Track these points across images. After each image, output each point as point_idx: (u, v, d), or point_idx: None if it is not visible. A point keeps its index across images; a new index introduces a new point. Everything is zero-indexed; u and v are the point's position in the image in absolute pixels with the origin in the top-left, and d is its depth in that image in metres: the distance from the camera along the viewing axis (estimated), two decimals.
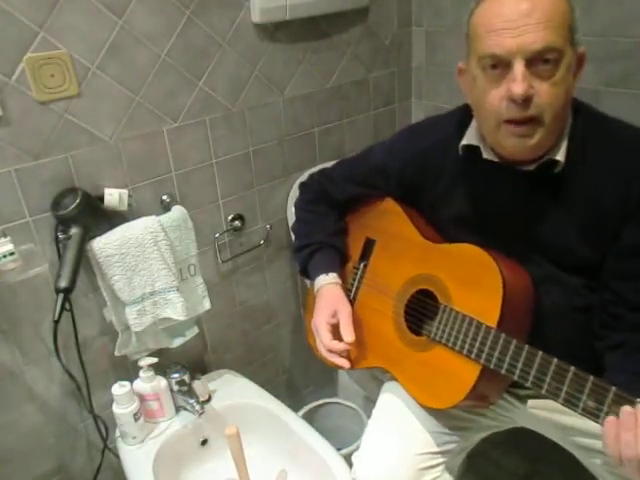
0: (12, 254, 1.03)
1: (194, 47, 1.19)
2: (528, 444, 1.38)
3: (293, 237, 1.28)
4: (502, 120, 0.84)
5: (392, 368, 1.07)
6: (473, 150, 0.93)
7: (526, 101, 0.80)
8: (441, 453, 1.03)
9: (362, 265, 1.18)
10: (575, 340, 0.93)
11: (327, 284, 1.14)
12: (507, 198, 0.94)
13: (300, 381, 1.75)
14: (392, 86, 1.62)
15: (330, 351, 1.08)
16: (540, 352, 0.83)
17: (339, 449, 1.21)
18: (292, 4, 1.26)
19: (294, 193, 1.46)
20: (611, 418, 0.73)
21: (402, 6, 1.54)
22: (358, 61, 1.50)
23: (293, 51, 1.36)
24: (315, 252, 1.19)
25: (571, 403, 0.78)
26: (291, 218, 1.46)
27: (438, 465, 1.02)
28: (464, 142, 0.95)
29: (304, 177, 1.34)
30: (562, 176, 0.87)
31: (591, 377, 0.76)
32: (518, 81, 0.78)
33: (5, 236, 1.04)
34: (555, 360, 0.81)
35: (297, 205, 1.29)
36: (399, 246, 1.10)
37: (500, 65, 0.81)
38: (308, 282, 1.25)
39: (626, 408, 0.71)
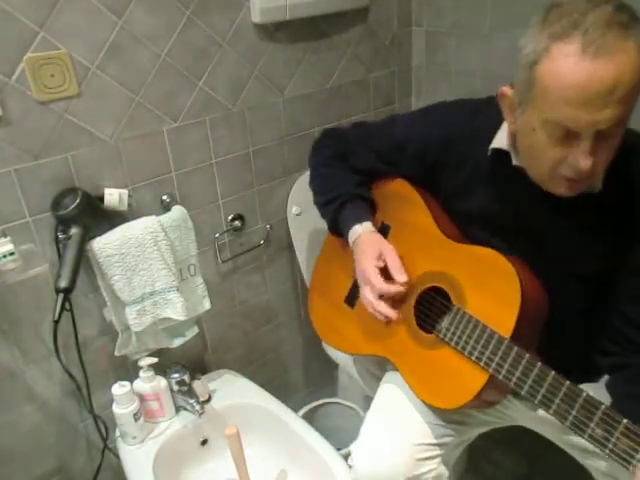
0: (12, 254, 1.03)
1: (194, 47, 1.19)
2: (528, 444, 1.38)
3: (313, 194, 1.22)
4: (557, 175, 0.80)
5: (395, 359, 1.06)
6: (503, 154, 0.91)
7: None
8: (438, 445, 1.03)
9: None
10: (582, 343, 0.94)
11: (364, 232, 1.08)
12: (532, 207, 0.90)
13: (300, 381, 1.75)
14: (392, 86, 1.62)
15: (381, 298, 1.02)
16: (553, 372, 0.81)
17: (339, 449, 1.21)
18: (292, 4, 1.26)
19: (294, 193, 1.46)
20: None
21: (402, 6, 1.54)
22: (358, 61, 1.50)
23: (293, 51, 1.36)
24: (344, 204, 1.13)
25: (578, 428, 0.77)
26: (291, 218, 1.46)
27: (435, 457, 1.03)
28: (494, 145, 0.92)
29: (304, 177, 1.34)
30: (592, 194, 0.85)
31: (603, 406, 0.75)
32: (585, 156, 0.75)
33: (5, 236, 1.04)
34: (567, 383, 0.79)
35: (315, 162, 1.23)
36: (415, 237, 1.07)
37: (568, 132, 0.75)
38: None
39: None
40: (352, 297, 1.18)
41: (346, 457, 1.12)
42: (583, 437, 0.77)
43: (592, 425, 0.75)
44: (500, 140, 0.91)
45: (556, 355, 0.84)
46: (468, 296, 0.95)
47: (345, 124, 1.52)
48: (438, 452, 1.03)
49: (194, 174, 1.29)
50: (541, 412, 1.00)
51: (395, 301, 1.04)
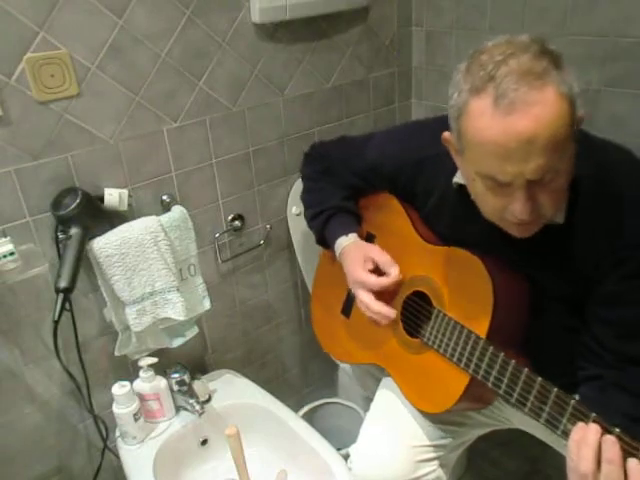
0: (12, 254, 1.03)
1: (194, 47, 1.19)
2: (528, 444, 1.38)
3: (303, 207, 1.25)
4: (505, 219, 0.81)
5: (388, 366, 1.08)
6: (465, 188, 0.89)
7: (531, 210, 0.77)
8: (437, 447, 1.03)
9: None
10: (569, 358, 0.93)
11: (349, 244, 1.11)
12: (496, 239, 0.89)
13: (300, 381, 1.75)
14: (392, 86, 1.62)
15: (378, 298, 1.02)
16: (525, 369, 0.81)
17: (339, 449, 1.21)
18: (292, 4, 1.26)
19: (294, 193, 1.46)
20: (581, 424, 0.72)
21: (402, 6, 1.54)
22: (358, 61, 1.50)
23: (293, 51, 1.36)
24: (331, 217, 1.15)
25: (552, 425, 0.77)
26: (291, 218, 1.46)
27: (434, 459, 1.03)
28: (456, 180, 0.91)
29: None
30: (556, 228, 0.85)
31: (572, 401, 0.75)
32: (520, 202, 0.75)
33: (5, 236, 1.04)
34: (539, 379, 0.79)
35: (304, 175, 1.27)
36: (397, 245, 1.09)
37: (498, 182, 0.76)
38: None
39: (593, 425, 0.70)
40: (347, 308, 1.19)
41: (346, 457, 1.12)
42: (557, 433, 0.76)
43: (564, 420, 0.76)
44: (461, 176, 0.90)
45: (542, 371, 0.85)
46: (447, 298, 0.96)
47: (345, 124, 1.53)
48: (437, 454, 1.03)
49: (194, 174, 1.29)
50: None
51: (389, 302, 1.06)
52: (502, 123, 0.70)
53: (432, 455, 1.03)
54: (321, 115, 1.47)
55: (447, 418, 1.05)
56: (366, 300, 1.02)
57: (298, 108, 1.42)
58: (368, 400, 1.16)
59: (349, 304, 1.20)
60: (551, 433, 0.97)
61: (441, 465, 1.04)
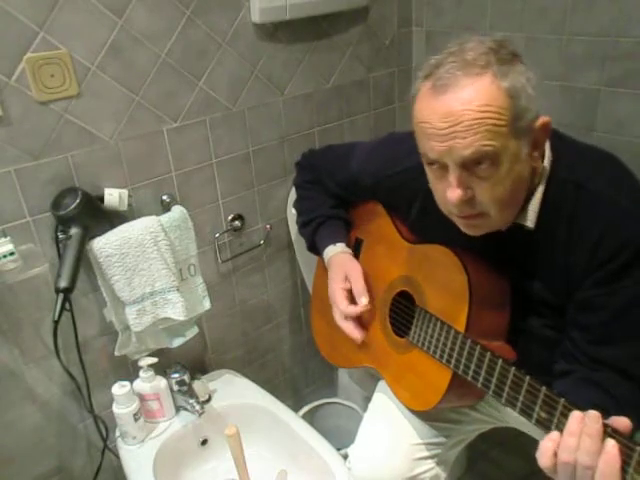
0: (12, 254, 1.03)
1: (194, 47, 1.19)
2: (528, 444, 1.38)
3: (296, 215, 1.29)
4: (450, 212, 0.84)
5: (379, 368, 1.09)
6: None
7: (468, 202, 0.79)
8: (434, 444, 1.04)
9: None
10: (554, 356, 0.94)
11: (335, 254, 1.15)
12: (474, 245, 0.91)
13: (300, 381, 1.75)
14: (392, 86, 1.62)
15: (347, 318, 1.08)
16: (500, 360, 0.81)
17: (339, 449, 1.21)
18: (292, 4, 1.26)
19: (294, 193, 1.45)
20: (554, 433, 0.69)
21: (402, 6, 1.54)
22: (358, 61, 1.50)
23: (293, 51, 1.36)
24: (320, 225, 1.19)
25: (526, 413, 0.77)
26: (291, 218, 1.46)
27: (432, 457, 1.04)
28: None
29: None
30: (532, 232, 0.86)
31: (543, 388, 0.75)
32: (452, 188, 0.78)
33: (5, 236, 1.04)
34: (513, 369, 0.79)
35: (296, 184, 1.31)
36: (383, 247, 1.11)
37: (437, 163, 0.79)
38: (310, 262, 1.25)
39: (576, 412, 0.69)
40: None
41: (346, 457, 1.12)
42: (531, 422, 0.76)
43: (537, 408, 0.76)
44: None
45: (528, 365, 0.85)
46: (428, 295, 0.97)
47: (345, 124, 1.53)
48: (434, 452, 1.04)
49: (194, 174, 1.29)
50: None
51: (364, 319, 1.10)
52: (434, 103, 0.76)
53: (429, 453, 1.03)
54: (321, 115, 1.47)
55: (442, 416, 1.05)
56: (336, 318, 1.10)
57: (298, 108, 1.42)
58: (368, 400, 1.16)
59: None
60: (543, 433, 0.98)
61: (439, 463, 1.05)
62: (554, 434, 0.69)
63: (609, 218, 0.79)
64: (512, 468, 1.60)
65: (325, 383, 1.76)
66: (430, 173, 0.84)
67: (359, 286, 1.07)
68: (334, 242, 1.16)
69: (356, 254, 1.18)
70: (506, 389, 0.80)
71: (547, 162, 0.84)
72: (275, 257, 1.52)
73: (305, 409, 1.62)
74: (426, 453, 1.03)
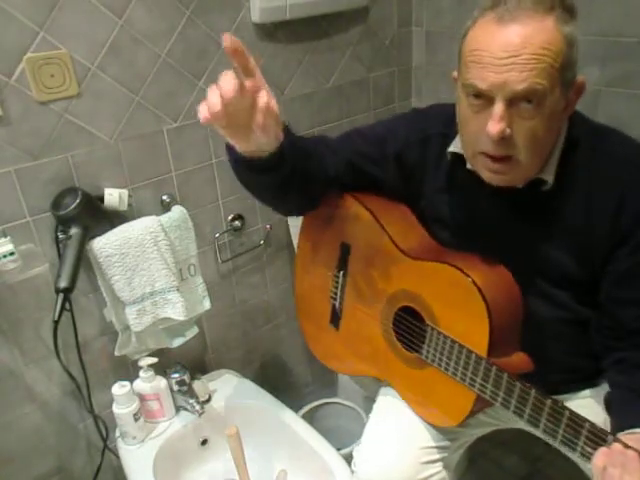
0: (12, 254, 1.03)
1: (194, 47, 1.19)
2: (529, 444, 1.38)
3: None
4: (477, 151, 0.82)
5: (388, 378, 1.07)
6: (460, 157, 0.91)
7: (503, 139, 0.78)
8: (441, 448, 1.03)
9: (341, 274, 1.13)
10: (571, 352, 0.93)
11: None
12: (491, 211, 0.91)
13: (300, 381, 1.75)
14: (392, 86, 1.62)
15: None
16: (533, 390, 0.80)
17: (339, 449, 1.21)
18: (292, 4, 1.26)
19: None
20: (603, 448, 0.72)
21: (402, 6, 1.54)
22: (358, 61, 1.50)
23: (293, 51, 1.36)
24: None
25: (569, 447, 0.77)
26: (291, 218, 1.46)
27: (438, 460, 1.03)
28: (451, 149, 0.93)
29: None
30: (551, 193, 0.86)
31: (587, 423, 0.74)
32: (495, 121, 0.76)
33: (5, 236, 1.04)
34: (549, 401, 0.78)
35: None
36: (375, 257, 1.06)
37: (482, 97, 0.78)
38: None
39: (617, 446, 0.71)
40: (335, 318, 1.16)
41: (346, 457, 1.12)
42: (575, 454, 0.76)
43: (581, 443, 0.75)
44: (457, 143, 0.92)
45: (542, 361, 0.84)
46: (438, 313, 0.93)
47: (345, 124, 1.53)
48: (441, 455, 1.03)
49: (194, 174, 1.29)
50: None
51: (366, 322, 1.06)
52: (497, 31, 0.75)
53: (437, 456, 1.02)
54: (321, 115, 1.47)
55: None
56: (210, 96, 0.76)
57: (298, 108, 1.42)
58: (368, 400, 1.16)
59: (336, 314, 1.16)
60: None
61: (444, 467, 1.04)
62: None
63: (628, 179, 0.80)
64: (512, 468, 1.60)
65: (325, 383, 1.76)
66: (467, 107, 0.81)
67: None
68: None
69: (344, 261, 1.12)
70: (542, 420, 0.79)
71: (564, 125, 0.85)
72: (275, 257, 1.52)
73: (305, 409, 1.62)
74: (433, 457, 1.02)
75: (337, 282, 1.14)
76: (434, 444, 1.02)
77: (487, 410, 1.07)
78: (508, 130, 0.77)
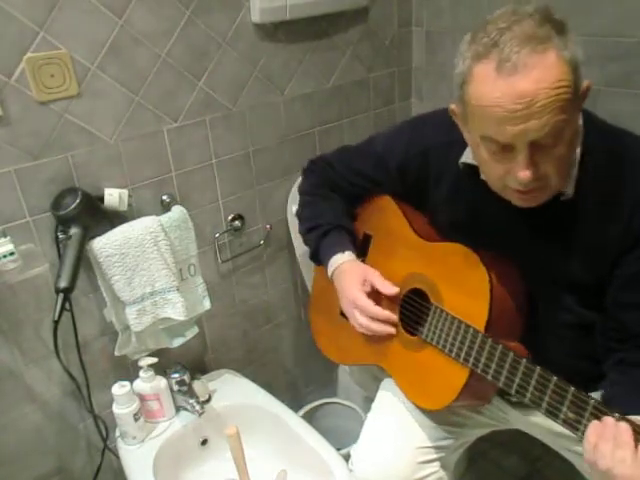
0: (12, 254, 1.03)
1: (194, 47, 1.19)
2: (528, 444, 1.38)
3: (298, 222, 1.22)
4: (508, 187, 0.81)
5: (387, 366, 1.07)
6: (473, 167, 0.90)
7: (535, 177, 0.77)
8: (439, 448, 1.03)
9: (360, 261, 1.17)
10: (574, 354, 0.93)
11: (344, 262, 1.09)
12: (505, 217, 0.90)
13: (300, 381, 1.75)
14: (392, 86, 1.62)
15: (375, 319, 1.02)
16: (524, 360, 0.81)
17: (339, 449, 1.21)
18: (292, 4, 1.26)
19: (294, 193, 1.45)
20: (596, 422, 0.72)
21: (402, 6, 1.54)
22: (358, 61, 1.50)
23: (293, 51, 1.36)
24: (327, 233, 1.13)
25: (552, 414, 0.77)
26: (291, 218, 1.46)
27: (436, 460, 1.03)
28: (463, 159, 0.92)
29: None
30: (568, 202, 0.84)
31: (572, 388, 0.75)
32: (523, 168, 0.75)
33: (5, 236, 1.04)
34: (538, 369, 0.79)
35: (302, 190, 1.23)
36: (392, 243, 1.09)
37: (502, 146, 0.77)
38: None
39: (609, 419, 0.71)
40: None
41: (346, 457, 1.12)
42: (558, 422, 0.77)
43: (564, 409, 0.76)
44: (468, 154, 0.91)
45: (543, 363, 0.84)
46: (444, 293, 0.96)
47: (345, 124, 1.53)
48: (439, 455, 1.03)
49: (194, 174, 1.29)
50: (533, 418, 1.01)
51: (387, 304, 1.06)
52: (504, 85, 0.72)
53: (434, 456, 1.03)
54: (321, 115, 1.47)
55: (448, 419, 1.04)
56: (365, 323, 1.02)
57: (298, 108, 1.42)
58: (368, 400, 1.16)
59: None
60: (551, 435, 0.98)
61: (442, 467, 1.04)
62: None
63: None
64: (512, 468, 1.60)
65: (325, 383, 1.76)
66: (488, 155, 0.80)
67: (384, 282, 1.03)
68: (342, 250, 1.10)
69: (364, 250, 1.16)
70: (530, 389, 0.80)
71: (580, 128, 0.83)
72: (275, 257, 1.52)
73: (305, 409, 1.62)
74: (430, 456, 1.02)
75: None
76: (431, 444, 1.03)
77: (484, 410, 1.07)
78: (536, 169, 0.76)
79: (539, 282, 0.92)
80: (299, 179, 1.45)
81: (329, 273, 1.11)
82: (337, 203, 1.17)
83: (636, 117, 1.21)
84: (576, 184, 0.84)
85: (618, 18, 1.17)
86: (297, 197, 1.46)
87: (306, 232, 1.18)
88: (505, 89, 0.72)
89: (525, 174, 0.75)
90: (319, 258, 1.15)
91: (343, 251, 1.10)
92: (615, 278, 0.84)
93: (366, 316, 1.02)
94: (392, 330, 1.02)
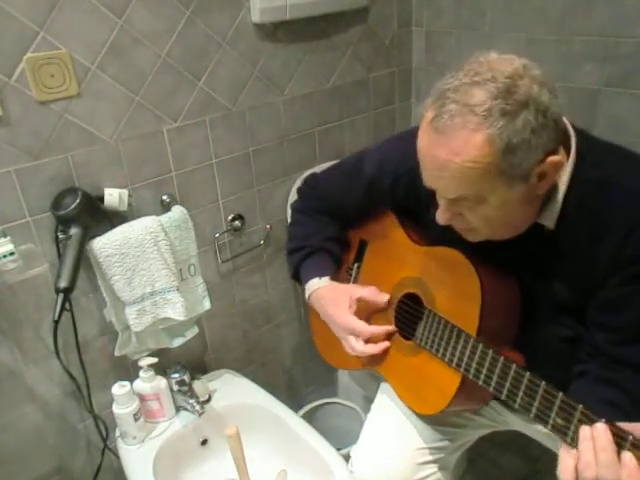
0: (12, 254, 1.03)
1: (194, 47, 1.19)
2: (528, 444, 1.38)
3: (287, 238, 1.26)
4: None
5: (384, 371, 1.08)
6: None
7: (458, 218, 0.83)
8: (438, 449, 1.03)
9: (356, 266, 1.17)
10: (569, 367, 0.93)
11: (320, 288, 1.11)
12: (493, 244, 0.89)
13: (300, 381, 1.75)
14: (392, 86, 1.62)
15: (373, 340, 1.03)
16: (514, 365, 0.81)
17: (339, 449, 1.21)
18: (292, 4, 1.26)
19: (294, 193, 1.45)
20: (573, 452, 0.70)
21: (402, 6, 1.54)
22: (358, 61, 1.50)
23: (293, 51, 1.36)
24: (309, 255, 1.15)
25: (541, 419, 0.77)
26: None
27: (435, 461, 1.03)
28: None
29: (304, 176, 1.34)
30: (553, 234, 0.84)
31: (560, 394, 0.75)
32: (440, 213, 0.83)
33: (5, 236, 1.04)
34: (528, 374, 0.79)
35: (296, 208, 1.25)
36: (388, 248, 1.10)
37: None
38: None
39: (585, 428, 0.69)
40: None
41: (346, 457, 1.12)
42: (547, 428, 0.76)
43: (553, 415, 0.75)
44: None
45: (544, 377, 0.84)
46: (436, 297, 0.96)
47: (345, 124, 1.53)
48: (437, 456, 1.03)
49: (194, 174, 1.29)
50: (531, 421, 1.00)
51: (371, 313, 1.08)
52: (427, 139, 0.77)
53: (433, 457, 1.03)
54: (321, 115, 1.47)
55: (447, 420, 1.04)
56: (360, 349, 1.03)
57: (298, 108, 1.42)
58: (368, 400, 1.16)
59: None
60: (548, 437, 0.98)
61: (441, 468, 1.04)
62: (573, 451, 0.69)
63: (637, 211, 0.78)
64: (512, 468, 1.60)
65: (325, 383, 1.76)
66: None
67: (374, 292, 1.05)
68: (320, 275, 1.12)
69: (360, 256, 1.17)
70: (520, 394, 0.80)
71: (571, 162, 0.81)
72: (275, 257, 1.52)
73: (305, 409, 1.62)
74: (429, 457, 1.02)
75: (350, 274, 1.19)
76: (431, 445, 1.03)
77: (482, 412, 1.07)
78: (458, 216, 0.82)
79: (531, 303, 0.92)
80: (299, 179, 1.46)
81: (306, 296, 1.15)
82: (326, 225, 1.18)
83: (636, 117, 1.22)
84: (559, 217, 0.83)
85: (618, 18, 1.18)
86: (295, 200, 1.46)
87: (290, 252, 1.21)
88: (428, 144, 0.77)
89: (441, 217, 0.83)
90: (299, 279, 1.18)
91: (320, 276, 1.12)
92: (595, 298, 0.83)
93: (362, 340, 1.04)
94: (387, 344, 1.04)
